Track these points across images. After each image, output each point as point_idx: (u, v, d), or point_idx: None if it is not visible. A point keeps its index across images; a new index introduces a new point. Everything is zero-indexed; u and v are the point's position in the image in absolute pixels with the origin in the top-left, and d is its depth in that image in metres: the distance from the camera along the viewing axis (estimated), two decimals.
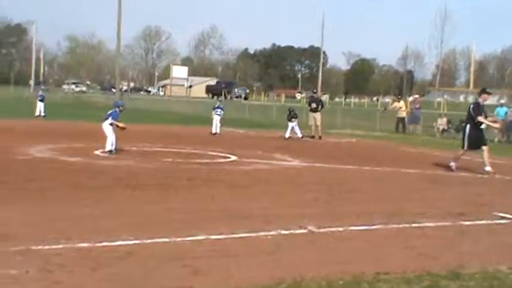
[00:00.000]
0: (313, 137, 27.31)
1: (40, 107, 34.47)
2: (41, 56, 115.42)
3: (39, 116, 33.66)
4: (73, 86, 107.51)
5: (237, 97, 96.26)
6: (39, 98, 35.11)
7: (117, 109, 17.04)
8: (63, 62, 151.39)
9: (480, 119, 16.39)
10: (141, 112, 42.36)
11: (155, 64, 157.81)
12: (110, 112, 17.00)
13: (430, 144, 27.07)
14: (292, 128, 26.49)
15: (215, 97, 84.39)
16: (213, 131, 26.70)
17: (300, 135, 26.55)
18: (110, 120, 16.63)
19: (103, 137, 16.88)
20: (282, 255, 7.21)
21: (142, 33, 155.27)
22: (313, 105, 28.57)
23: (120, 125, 16.77)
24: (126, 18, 67.92)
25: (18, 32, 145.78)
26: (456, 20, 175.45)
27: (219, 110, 27.63)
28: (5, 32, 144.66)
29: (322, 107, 28.62)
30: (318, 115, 27.89)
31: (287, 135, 26.20)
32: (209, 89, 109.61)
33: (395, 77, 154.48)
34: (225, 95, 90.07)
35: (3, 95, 55.08)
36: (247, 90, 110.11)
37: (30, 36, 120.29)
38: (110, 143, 16.42)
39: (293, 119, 26.71)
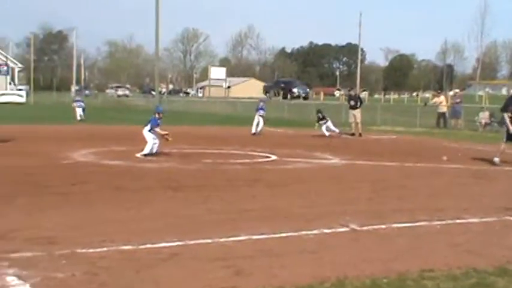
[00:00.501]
0: (353, 134, 27.17)
1: (79, 111, 34.84)
2: (82, 61, 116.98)
3: (81, 120, 34.05)
4: (118, 90, 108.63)
5: (296, 97, 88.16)
6: (77, 105, 35.57)
7: (156, 115, 17.01)
8: (103, 67, 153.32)
9: (505, 115, 16.13)
10: (180, 114, 42.61)
11: (193, 66, 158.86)
12: (150, 118, 17.04)
13: (473, 138, 26.71)
14: (327, 127, 26.28)
15: (276, 96, 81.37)
16: (252, 131, 26.67)
17: (337, 130, 26.39)
18: (148, 127, 16.69)
19: (144, 141, 17.03)
20: (325, 254, 7.18)
21: (180, 36, 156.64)
22: (352, 102, 28.46)
23: (162, 132, 16.77)
24: (164, 21, 68.58)
25: (59, 39, 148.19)
26: (497, 12, 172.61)
27: (261, 111, 27.46)
28: (47, 40, 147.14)
29: (361, 104, 28.47)
30: (357, 112, 27.75)
31: (326, 133, 26.06)
32: (267, 89, 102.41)
33: (434, 72, 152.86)
34: (284, 94, 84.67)
35: (46, 101, 56.03)
36: (308, 89, 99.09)
37: (71, 42, 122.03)
38: (148, 149, 16.49)
39: (321, 122, 26.57)
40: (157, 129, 16.72)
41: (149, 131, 16.69)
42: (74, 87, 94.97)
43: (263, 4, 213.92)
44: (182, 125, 30.13)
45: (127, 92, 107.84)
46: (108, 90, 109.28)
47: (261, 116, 27.18)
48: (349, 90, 33.79)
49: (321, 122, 26.59)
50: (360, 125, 27.66)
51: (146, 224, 8.46)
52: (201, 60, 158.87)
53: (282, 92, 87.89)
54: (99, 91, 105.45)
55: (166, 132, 16.83)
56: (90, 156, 16.59)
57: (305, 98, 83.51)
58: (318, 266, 6.59)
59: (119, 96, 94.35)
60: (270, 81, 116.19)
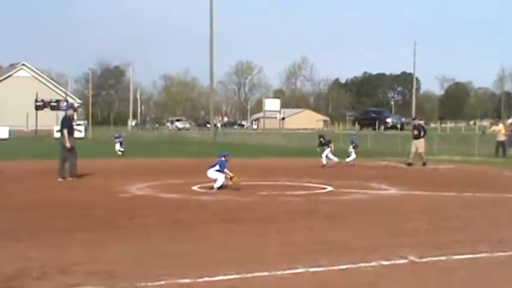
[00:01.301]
0: (410, 164, 26.81)
1: (117, 146, 34.56)
2: (138, 95, 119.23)
3: (121, 153, 33.62)
4: (177, 123, 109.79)
5: (391, 127, 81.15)
6: (117, 141, 35.20)
7: (222, 158, 17.07)
8: (158, 100, 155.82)
9: None
10: (235, 146, 42.88)
11: (248, 98, 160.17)
12: (216, 162, 16.91)
13: None
14: (326, 155, 26.03)
15: (364, 128, 76.21)
16: (348, 159, 26.68)
17: (335, 160, 26.11)
18: (216, 167, 16.62)
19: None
20: (383, 287, 7.08)
21: (234, 68, 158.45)
22: (415, 132, 28.15)
23: (231, 174, 16.76)
24: (218, 54, 69.52)
25: (116, 74, 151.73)
26: None
27: (353, 144, 27.35)
28: (105, 75, 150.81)
29: (424, 134, 28.14)
30: (419, 142, 27.45)
31: (324, 161, 25.70)
32: (356, 120, 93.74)
33: (492, 100, 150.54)
34: (375, 125, 79.16)
35: (104, 136, 57.10)
36: (403, 119, 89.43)
37: (128, 77, 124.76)
38: (220, 183, 16.53)
39: (323, 147, 26.21)
40: (226, 170, 16.69)
41: (217, 170, 16.66)
42: (130, 121, 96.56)
43: (316, 35, 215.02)
44: (237, 157, 30.24)
45: (187, 125, 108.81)
46: (168, 124, 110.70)
47: (353, 147, 27.11)
48: (413, 119, 33.23)
49: (323, 148, 26.40)
50: (423, 155, 27.40)
51: (203, 257, 8.50)
52: (255, 92, 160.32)
53: (372, 123, 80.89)
54: (159, 124, 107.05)
55: (232, 175, 16.79)
56: (147, 189, 16.81)
57: (401, 128, 77.49)
58: None
59: (179, 129, 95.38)
60: (356, 112, 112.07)
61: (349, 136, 31.50)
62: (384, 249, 9.01)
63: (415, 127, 29.00)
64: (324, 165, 25.53)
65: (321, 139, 26.69)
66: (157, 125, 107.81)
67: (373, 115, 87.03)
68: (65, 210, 13.03)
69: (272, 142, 52.86)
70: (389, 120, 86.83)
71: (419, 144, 27.43)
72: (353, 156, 27.03)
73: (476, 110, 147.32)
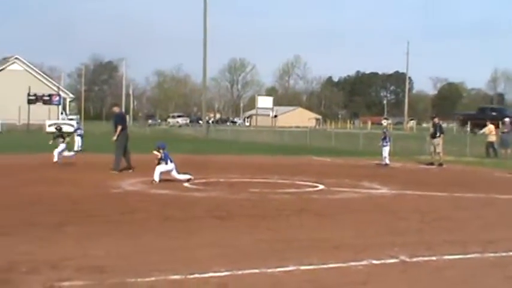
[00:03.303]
0: (431, 164, 26.62)
1: (78, 141, 32.48)
2: (131, 91, 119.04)
3: (78, 151, 30.42)
4: (178, 119, 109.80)
5: None
6: (77, 133, 33.34)
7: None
8: (151, 96, 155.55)
9: None
10: (227, 143, 42.87)
11: (240, 95, 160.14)
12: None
13: None
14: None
15: (476, 130, 59.37)
16: (384, 162, 26.15)
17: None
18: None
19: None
20: (374, 286, 7.09)
21: (227, 66, 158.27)
22: (432, 130, 27.95)
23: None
24: (211, 51, 69.46)
25: (109, 69, 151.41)
26: None
27: (385, 142, 26.69)
28: (98, 70, 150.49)
29: (441, 133, 27.62)
30: (436, 141, 27.19)
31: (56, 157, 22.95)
32: (466, 119, 68.58)
33: (485, 100, 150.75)
34: (498, 125, 64.69)
35: (96, 130, 56.90)
36: None
37: (121, 72, 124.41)
38: (156, 176, 16.94)
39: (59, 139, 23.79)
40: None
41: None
42: (128, 117, 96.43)
43: (309, 34, 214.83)
44: (229, 154, 30.28)
45: (188, 121, 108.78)
46: (169, 120, 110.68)
47: (384, 146, 26.51)
48: (432, 118, 32.53)
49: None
50: (440, 155, 27.08)
51: (194, 253, 8.48)
52: (248, 90, 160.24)
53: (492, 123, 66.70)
54: (145, 120, 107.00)
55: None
56: (138, 185, 16.77)
57: None
58: None
59: (180, 126, 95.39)
60: (459, 111, 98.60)
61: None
62: (375, 248, 9.02)
63: (433, 125, 28.64)
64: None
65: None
66: (160, 120, 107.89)
67: (493, 113, 65.87)
68: (56, 205, 12.98)
69: (264, 139, 52.87)
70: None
71: (436, 143, 27.21)
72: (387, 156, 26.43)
73: (468, 110, 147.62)
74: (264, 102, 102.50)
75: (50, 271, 7.35)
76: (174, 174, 17.14)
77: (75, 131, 34.52)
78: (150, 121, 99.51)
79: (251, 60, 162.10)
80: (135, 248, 8.81)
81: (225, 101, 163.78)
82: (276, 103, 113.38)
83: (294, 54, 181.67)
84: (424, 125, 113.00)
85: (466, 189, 17.58)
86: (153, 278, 7.08)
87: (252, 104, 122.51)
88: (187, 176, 17.17)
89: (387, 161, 26.01)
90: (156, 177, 16.91)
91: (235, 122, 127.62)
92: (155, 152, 17.13)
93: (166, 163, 17.04)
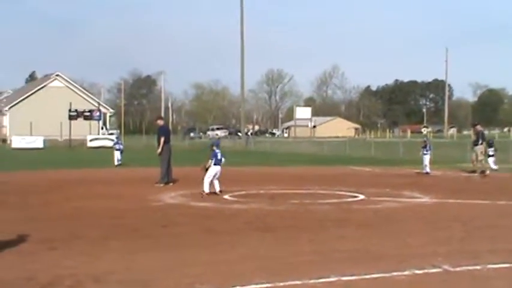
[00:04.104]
0: (474, 171, 26.26)
1: (117, 155, 32.79)
2: (170, 104, 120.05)
3: (118, 165, 31.98)
4: (217, 131, 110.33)
5: None
6: (116, 148, 33.72)
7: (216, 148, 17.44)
8: (189, 109, 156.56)
9: None
10: (266, 154, 42.89)
11: (278, 106, 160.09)
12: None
13: None
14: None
15: None
16: (424, 170, 25.98)
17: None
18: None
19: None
20: None
21: (265, 77, 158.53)
22: (474, 138, 27.62)
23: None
24: (249, 63, 69.72)
25: (148, 83, 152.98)
26: None
27: (425, 150, 26.60)
28: (137, 84, 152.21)
29: (482, 141, 26.95)
30: (478, 149, 26.79)
31: None
32: None
33: None
34: None
35: (136, 145, 57.52)
36: None
37: (159, 86, 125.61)
38: (205, 187, 17.08)
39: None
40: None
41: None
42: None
43: (347, 43, 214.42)
44: (269, 165, 30.29)
45: (227, 134, 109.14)
46: (209, 132, 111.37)
47: (424, 154, 26.41)
48: (473, 126, 31.97)
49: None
50: (483, 162, 26.50)
51: (235, 266, 8.51)
52: (286, 101, 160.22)
53: None
54: (185, 134, 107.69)
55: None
56: (179, 198, 16.89)
57: None
58: None
59: (219, 138, 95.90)
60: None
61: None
62: (417, 258, 8.93)
63: (475, 133, 28.24)
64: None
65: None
66: (201, 133, 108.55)
67: None
68: (99, 219, 13.16)
69: (303, 150, 52.77)
70: None
71: (477, 151, 26.81)
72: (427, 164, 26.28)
73: (510, 117, 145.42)
74: (302, 112, 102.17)
75: (93, 285, 7.45)
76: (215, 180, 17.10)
77: (114, 145, 34.90)
78: (192, 134, 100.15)
79: (289, 70, 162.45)
80: (177, 261, 8.87)
81: (263, 112, 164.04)
82: (314, 113, 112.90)
83: (332, 63, 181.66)
84: (465, 132, 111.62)
85: (509, 197, 17.28)
86: None
87: (290, 114, 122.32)
88: (210, 190, 17.08)
89: (428, 170, 25.77)
90: (206, 188, 16.92)
91: (274, 134, 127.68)
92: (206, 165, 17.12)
93: (212, 159, 17.05)
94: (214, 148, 17.34)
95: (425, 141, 27.23)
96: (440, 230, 11.70)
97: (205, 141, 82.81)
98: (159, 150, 20.97)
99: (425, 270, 8.15)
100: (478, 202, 16.35)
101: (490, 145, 27.45)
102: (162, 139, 20.95)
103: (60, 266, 8.49)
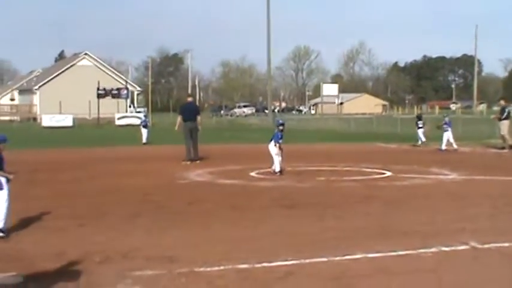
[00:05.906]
0: (503, 148, 25.93)
1: (144, 133, 32.72)
2: (197, 82, 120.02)
3: (146, 143, 31.88)
4: (244, 109, 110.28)
5: None
6: (143, 124, 33.76)
7: (276, 129, 17.18)
8: (216, 87, 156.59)
9: None
10: (293, 132, 42.74)
11: (305, 83, 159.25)
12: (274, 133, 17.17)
13: None
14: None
15: None
16: (442, 147, 25.68)
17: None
18: (273, 142, 16.84)
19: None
20: (444, 273, 6.99)
21: (291, 54, 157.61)
22: (499, 114, 27.25)
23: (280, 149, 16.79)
24: (275, 40, 69.25)
25: (175, 61, 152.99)
26: None
27: (445, 126, 26.26)
28: (164, 63, 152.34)
29: (507, 116, 26.61)
30: (501, 124, 26.46)
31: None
32: None
33: None
34: None
35: (164, 122, 57.69)
36: None
37: (186, 64, 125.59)
38: (278, 165, 16.64)
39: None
40: (279, 143, 16.77)
41: (274, 145, 16.82)
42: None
43: (374, 19, 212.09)
44: (296, 143, 30.11)
45: (254, 111, 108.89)
46: (236, 110, 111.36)
47: (446, 131, 26.07)
48: (498, 100, 31.45)
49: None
50: (506, 137, 26.14)
51: (262, 242, 8.55)
52: (313, 78, 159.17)
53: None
54: (211, 112, 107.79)
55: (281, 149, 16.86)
56: (206, 175, 16.97)
57: None
58: (437, 286, 6.43)
59: (246, 115, 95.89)
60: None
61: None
62: (445, 234, 8.89)
63: (500, 108, 27.97)
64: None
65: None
66: (231, 110, 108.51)
67: None
68: (127, 196, 13.29)
69: (330, 127, 52.57)
70: None
71: (502, 127, 26.41)
72: (445, 142, 25.93)
73: None
74: (329, 89, 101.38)
75: (121, 261, 7.55)
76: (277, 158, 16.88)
77: (142, 123, 35.05)
78: (222, 112, 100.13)
79: (315, 47, 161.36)
80: (204, 237, 8.94)
81: (290, 89, 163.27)
82: (342, 90, 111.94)
83: (359, 40, 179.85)
84: (495, 108, 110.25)
85: None
86: (221, 267, 7.18)
87: (317, 92, 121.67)
88: (278, 168, 16.85)
89: (443, 147, 25.48)
90: (277, 167, 16.74)
91: (301, 111, 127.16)
92: (275, 144, 16.86)
93: (281, 138, 16.87)
94: (281, 128, 17.15)
95: (444, 118, 26.83)
96: (468, 207, 11.62)
97: (232, 119, 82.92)
98: (176, 127, 21.31)
99: (453, 247, 8.11)
100: (508, 179, 16.19)
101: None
102: (179, 117, 21.14)
103: (89, 242, 8.61)
